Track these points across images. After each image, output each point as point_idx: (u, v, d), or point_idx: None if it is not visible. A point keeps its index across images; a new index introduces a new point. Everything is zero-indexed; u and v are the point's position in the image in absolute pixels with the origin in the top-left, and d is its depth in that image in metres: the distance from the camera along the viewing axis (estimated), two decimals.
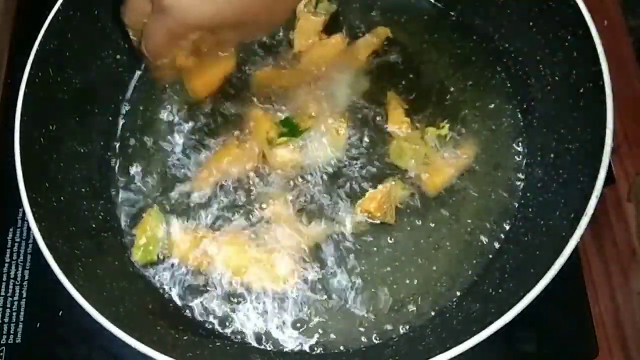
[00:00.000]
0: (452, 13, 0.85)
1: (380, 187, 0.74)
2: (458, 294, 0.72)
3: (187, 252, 0.74)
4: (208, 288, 0.73)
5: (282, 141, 0.77)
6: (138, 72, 0.85)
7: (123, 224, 0.77)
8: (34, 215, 0.64)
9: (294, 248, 0.74)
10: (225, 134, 0.79)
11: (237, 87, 0.82)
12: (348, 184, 0.76)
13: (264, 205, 0.76)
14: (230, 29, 0.64)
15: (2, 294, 0.79)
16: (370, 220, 0.74)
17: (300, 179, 0.77)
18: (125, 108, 0.83)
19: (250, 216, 0.75)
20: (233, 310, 0.72)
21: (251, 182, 0.77)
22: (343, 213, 0.75)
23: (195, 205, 0.77)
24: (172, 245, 0.75)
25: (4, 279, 0.79)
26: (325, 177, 0.77)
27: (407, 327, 0.70)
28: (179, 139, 0.80)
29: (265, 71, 0.82)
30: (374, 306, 0.72)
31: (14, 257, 0.80)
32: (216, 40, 0.67)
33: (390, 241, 0.74)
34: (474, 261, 0.73)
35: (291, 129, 0.78)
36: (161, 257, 0.75)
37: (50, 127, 0.72)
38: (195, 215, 0.76)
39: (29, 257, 0.80)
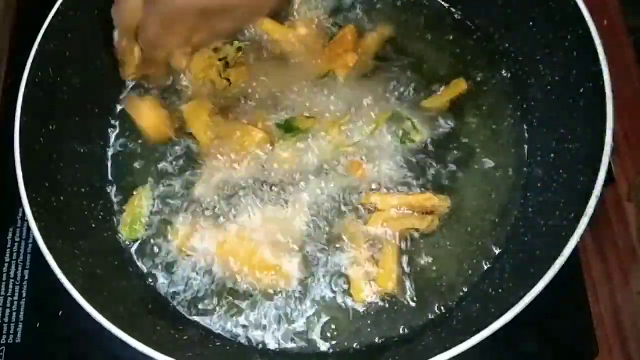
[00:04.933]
0: (453, 13, 0.85)
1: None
2: (458, 294, 0.72)
3: (187, 250, 0.75)
4: (208, 288, 0.73)
5: (284, 141, 0.78)
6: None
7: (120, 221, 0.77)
8: (34, 215, 0.64)
9: (295, 247, 0.73)
10: (225, 133, 0.80)
11: (236, 88, 0.82)
12: (348, 184, 0.76)
13: (265, 204, 0.76)
14: (223, 14, 0.65)
15: (2, 294, 0.79)
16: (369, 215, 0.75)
17: (301, 179, 0.76)
18: (125, 108, 0.83)
19: (252, 215, 0.75)
20: (233, 310, 0.72)
21: (252, 182, 0.77)
22: (345, 212, 0.75)
23: (196, 204, 0.77)
24: (172, 242, 0.75)
25: (4, 279, 0.79)
26: (327, 176, 0.77)
27: (407, 327, 0.70)
28: (178, 139, 0.80)
29: (264, 72, 0.82)
30: (374, 306, 0.72)
31: (14, 257, 0.80)
32: (210, 29, 0.68)
33: None
34: (474, 261, 0.73)
35: (292, 130, 0.78)
36: (146, 237, 0.75)
37: (50, 127, 0.72)
38: (196, 213, 0.76)
39: (29, 257, 0.80)
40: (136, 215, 0.77)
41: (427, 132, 0.78)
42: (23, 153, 0.67)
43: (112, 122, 0.82)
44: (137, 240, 0.76)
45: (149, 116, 0.79)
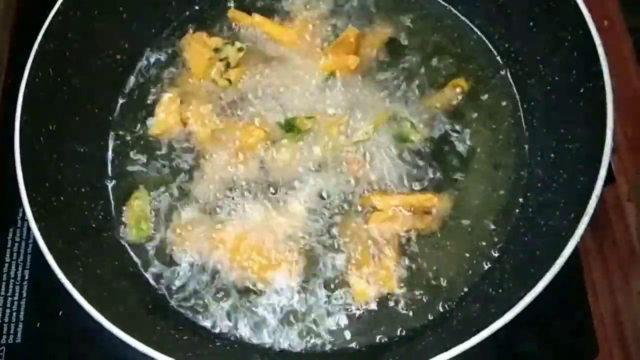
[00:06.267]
0: (453, 13, 0.85)
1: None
2: (458, 294, 0.72)
3: (187, 249, 0.75)
4: (208, 287, 0.73)
5: (284, 140, 0.78)
6: (137, 72, 0.85)
7: (123, 223, 0.77)
8: (34, 215, 0.64)
9: (295, 247, 0.73)
10: (225, 132, 0.80)
11: (236, 88, 0.82)
12: (348, 184, 0.76)
13: (265, 204, 0.76)
14: None
15: (2, 294, 0.79)
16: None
17: (301, 178, 0.76)
18: (125, 107, 0.83)
19: (252, 214, 0.75)
20: (233, 310, 0.72)
21: (252, 181, 0.77)
22: (345, 212, 0.75)
23: (196, 203, 0.77)
24: (172, 241, 0.75)
25: (4, 279, 0.79)
26: (327, 176, 0.76)
27: (407, 327, 0.70)
28: (178, 138, 0.81)
29: (265, 73, 0.82)
30: (374, 306, 0.71)
31: (14, 257, 0.80)
32: None
33: None
34: (474, 261, 0.73)
35: (292, 130, 0.78)
36: (153, 232, 0.75)
37: (50, 127, 0.72)
38: (195, 211, 0.76)
39: (29, 257, 0.80)
40: (138, 215, 0.76)
41: (427, 132, 0.78)
42: (23, 153, 0.67)
43: (112, 122, 0.82)
44: (148, 239, 0.76)
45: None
